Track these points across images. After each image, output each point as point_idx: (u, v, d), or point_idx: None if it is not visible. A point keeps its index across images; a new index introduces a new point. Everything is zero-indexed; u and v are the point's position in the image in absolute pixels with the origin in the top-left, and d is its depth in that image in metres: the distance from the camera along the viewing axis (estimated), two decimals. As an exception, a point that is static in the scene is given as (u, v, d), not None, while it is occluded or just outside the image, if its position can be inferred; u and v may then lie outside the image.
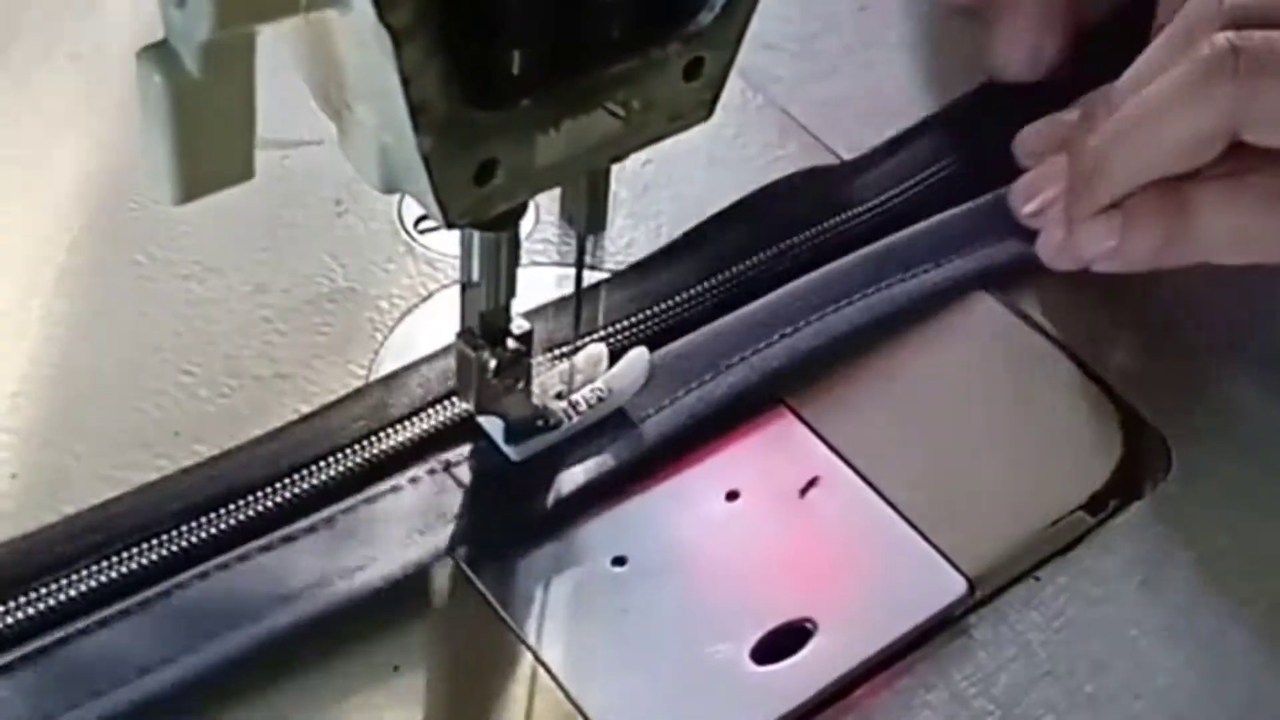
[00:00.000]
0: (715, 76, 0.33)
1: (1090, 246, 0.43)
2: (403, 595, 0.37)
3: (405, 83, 0.28)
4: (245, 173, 0.30)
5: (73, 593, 0.35)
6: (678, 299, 0.43)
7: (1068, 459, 0.41)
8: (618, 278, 0.44)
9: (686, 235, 0.45)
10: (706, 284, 0.44)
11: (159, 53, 0.27)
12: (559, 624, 0.37)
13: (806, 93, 0.51)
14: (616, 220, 0.46)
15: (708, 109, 0.34)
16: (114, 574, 0.36)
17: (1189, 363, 0.44)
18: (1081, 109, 0.46)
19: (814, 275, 0.44)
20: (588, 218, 0.36)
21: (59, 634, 0.35)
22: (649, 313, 0.43)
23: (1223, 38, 0.40)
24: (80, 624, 0.35)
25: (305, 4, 0.27)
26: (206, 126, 0.28)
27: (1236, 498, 0.41)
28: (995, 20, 0.51)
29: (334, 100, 0.31)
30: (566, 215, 0.37)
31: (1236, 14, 0.41)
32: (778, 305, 0.43)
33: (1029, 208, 0.46)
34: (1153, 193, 0.42)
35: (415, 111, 0.28)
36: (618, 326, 0.42)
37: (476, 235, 0.35)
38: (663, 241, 0.45)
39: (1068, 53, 0.50)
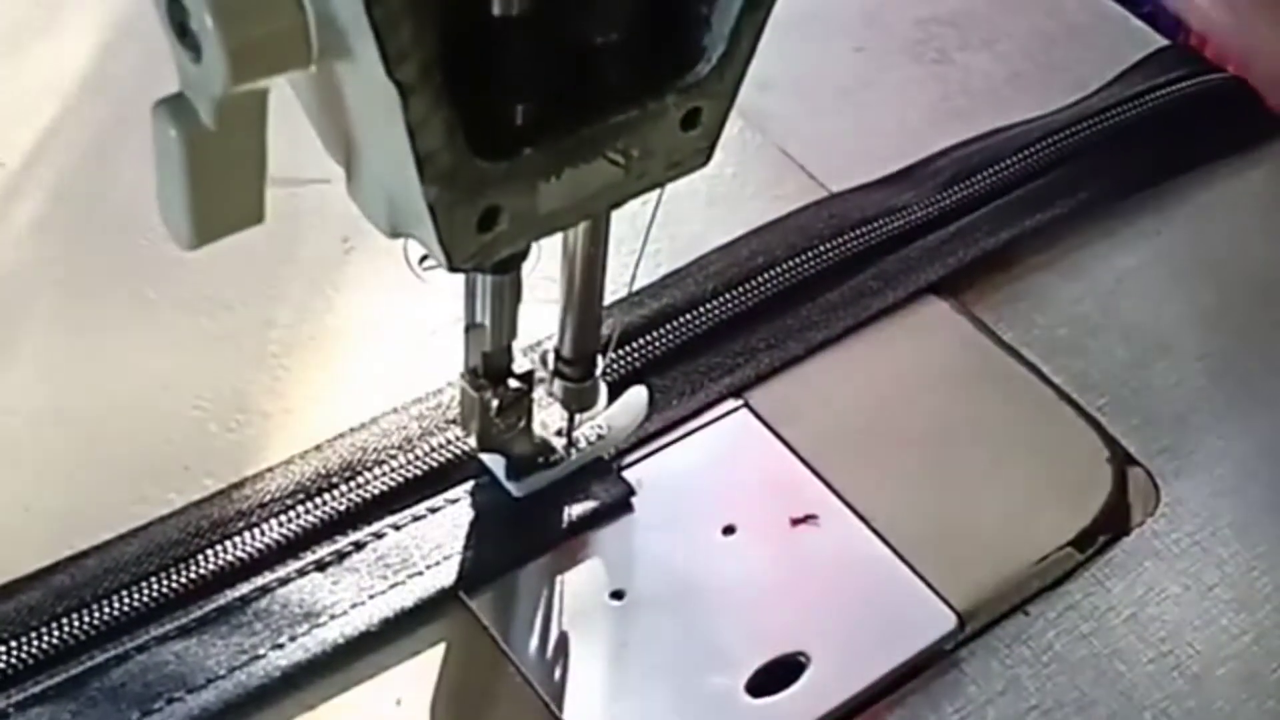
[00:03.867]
0: (712, 125, 0.34)
1: None
2: (405, 629, 0.38)
3: (411, 134, 0.29)
4: (257, 217, 0.31)
5: (87, 625, 0.36)
6: (670, 326, 0.44)
7: (1057, 496, 0.42)
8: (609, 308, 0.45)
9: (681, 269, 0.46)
10: (696, 311, 0.45)
11: (175, 105, 0.28)
12: (558, 656, 0.37)
13: (804, 132, 0.52)
14: (617, 258, 0.47)
15: (705, 156, 0.35)
16: (119, 609, 0.37)
17: (1176, 401, 0.45)
18: None
19: (800, 305, 0.45)
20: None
21: (80, 663, 0.36)
22: (645, 340, 0.44)
23: None
24: (87, 660, 0.36)
25: (315, 59, 0.28)
26: (220, 174, 0.29)
27: (1223, 534, 0.42)
28: None
29: (342, 147, 0.32)
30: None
31: None
32: (769, 336, 0.44)
33: None
34: None
35: (421, 161, 0.29)
36: (613, 356, 0.43)
37: (480, 278, 0.36)
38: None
39: None
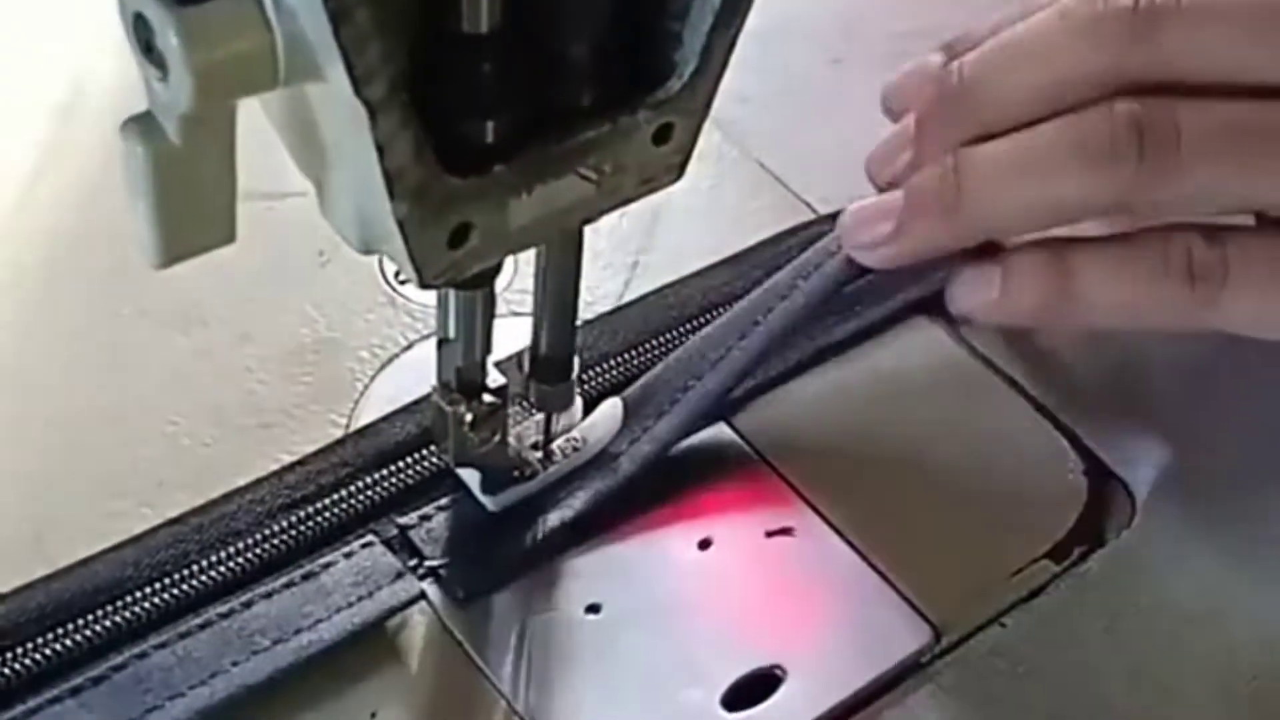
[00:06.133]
0: (685, 140, 0.34)
1: (967, 298, 0.40)
2: (380, 644, 0.38)
3: (380, 152, 0.29)
4: (227, 236, 0.31)
5: (56, 648, 0.36)
6: (649, 345, 0.44)
7: (1033, 507, 0.42)
8: (589, 325, 0.45)
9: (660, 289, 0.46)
10: (678, 330, 0.45)
11: (142, 123, 0.28)
12: (533, 671, 0.37)
13: (781, 145, 0.52)
14: (594, 271, 0.47)
15: (678, 171, 0.35)
16: (97, 629, 0.36)
17: (1153, 411, 0.45)
18: (945, 53, 0.43)
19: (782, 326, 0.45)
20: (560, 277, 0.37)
21: (51, 690, 0.35)
22: (621, 359, 0.44)
23: (1127, 113, 0.37)
24: (63, 683, 0.36)
25: (283, 79, 0.28)
26: (188, 193, 0.29)
27: (1199, 546, 0.42)
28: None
29: (312, 164, 0.32)
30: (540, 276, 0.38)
31: (1146, 21, 0.37)
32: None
33: (883, 176, 0.42)
34: (1037, 252, 0.39)
35: (390, 179, 0.29)
36: (592, 374, 0.43)
37: (452, 293, 0.36)
38: (638, 292, 0.46)
39: None
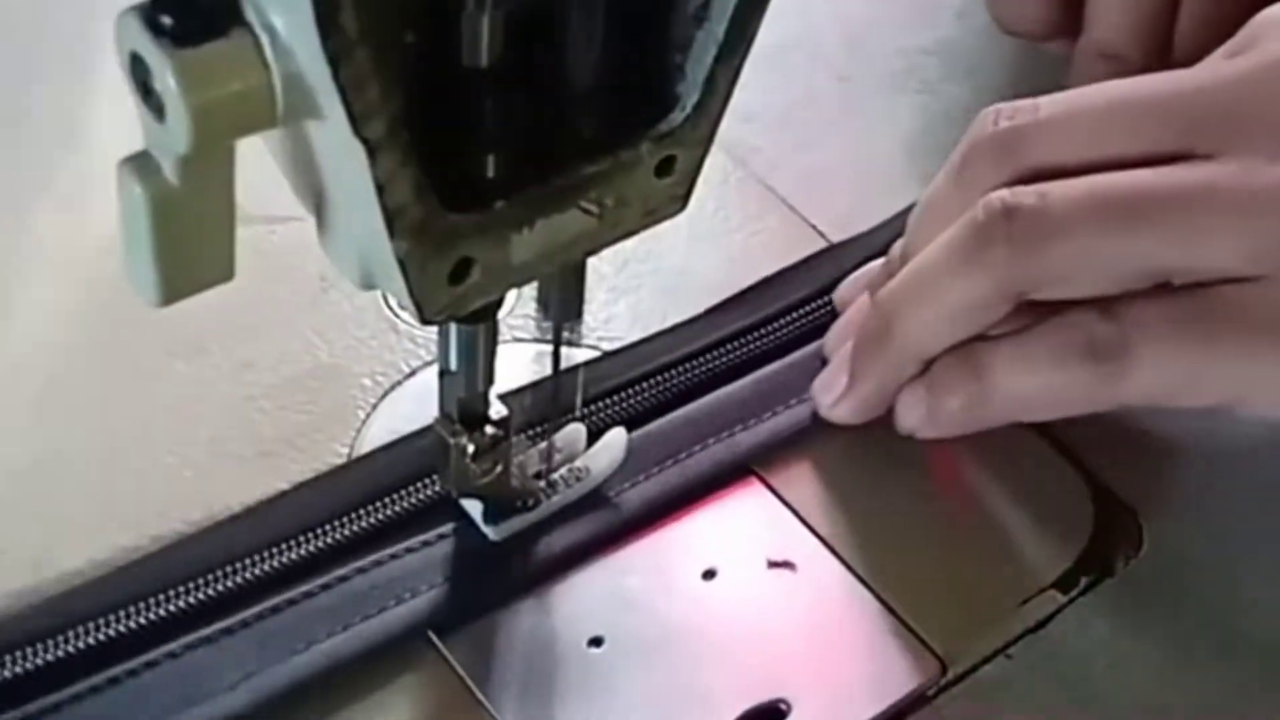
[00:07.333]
0: (688, 172, 0.34)
1: (905, 418, 0.42)
2: (378, 674, 0.37)
3: (379, 190, 0.29)
4: (226, 274, 0.30)
5: (39, 663, 0.36)
6: (656, 379, 0.44)
7: (1040, 536, 0.42)
8: (599, 359, 0.45)
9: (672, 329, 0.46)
10: (685, 365, 0.44)
11: (139, 163, 0.28)
12: (536, 706, 0.37)
13: (787, 165, 0.52)
14: (598, 295, 0.47)
15: (681, 203, 0.35)
16: (85, 645, 0.36)
17: (1161, 440, 0.45)
18: (886, 259, 0.45)
19: (791, 357, 0.45)
20: (562, 307, 0.37)
21: (35, 706, 0.35)
22: (627, 392, 0.43)
23: (996, 198, 0.39)
24: (52, 699, 0.35)
25: (281, 119, 0.27)
26: (187, 232, 0.29)
27: (1207, 576, 0.42)
28: None
29: (312, 199, 0.32)
30: (542, 303, 0.37)
31: (1008, 140, 0.40)
32: (754, 386, 0.44)
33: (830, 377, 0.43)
34: (950, 358, 0.41)
35: (390, 216, 0.29)
36: (597, 406, 0.43)
37: (454, 326, 0.35)
38: (643, 316, 0.46)
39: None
